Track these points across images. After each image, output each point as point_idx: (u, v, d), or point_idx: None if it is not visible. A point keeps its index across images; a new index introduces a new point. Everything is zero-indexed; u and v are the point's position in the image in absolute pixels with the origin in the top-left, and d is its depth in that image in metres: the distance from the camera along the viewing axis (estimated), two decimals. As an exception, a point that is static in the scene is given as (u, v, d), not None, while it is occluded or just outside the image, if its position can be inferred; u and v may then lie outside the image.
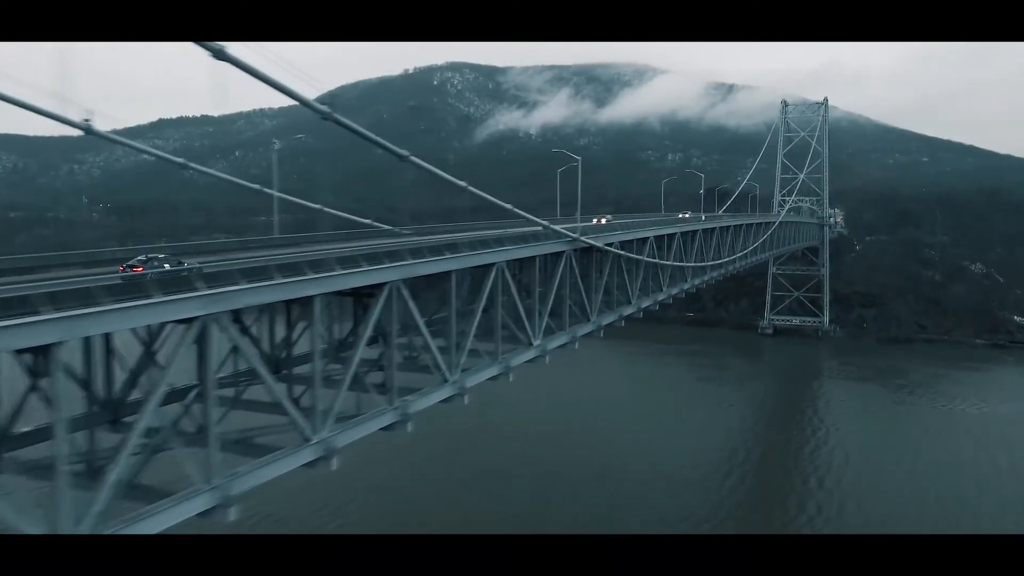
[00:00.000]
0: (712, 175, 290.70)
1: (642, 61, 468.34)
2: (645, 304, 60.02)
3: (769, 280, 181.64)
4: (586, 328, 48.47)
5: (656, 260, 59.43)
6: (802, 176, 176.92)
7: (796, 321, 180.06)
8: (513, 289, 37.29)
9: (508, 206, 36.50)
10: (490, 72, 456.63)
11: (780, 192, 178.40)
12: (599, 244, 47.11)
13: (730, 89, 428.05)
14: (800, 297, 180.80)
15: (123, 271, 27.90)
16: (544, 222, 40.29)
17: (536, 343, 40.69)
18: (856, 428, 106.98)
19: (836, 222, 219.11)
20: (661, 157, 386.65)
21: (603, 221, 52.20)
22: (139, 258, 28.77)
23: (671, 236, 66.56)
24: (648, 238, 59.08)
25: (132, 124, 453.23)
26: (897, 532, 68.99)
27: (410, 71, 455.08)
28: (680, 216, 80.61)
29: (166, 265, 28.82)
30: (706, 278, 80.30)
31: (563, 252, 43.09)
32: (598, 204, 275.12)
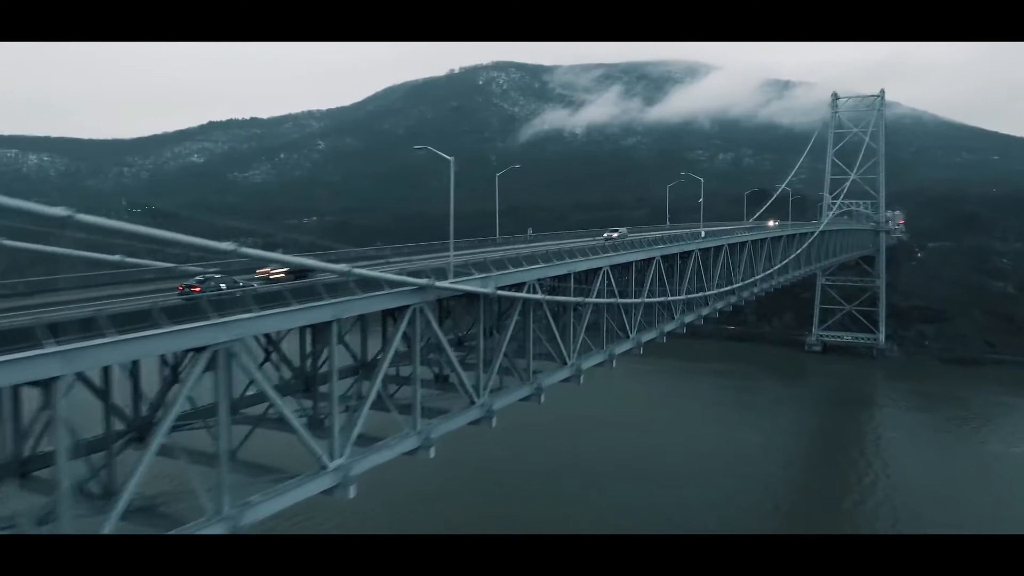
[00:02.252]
0: (764, 176, 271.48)
1: (693, 58, 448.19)
2: (592, 363, 43.48)
3: (817, 292, 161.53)
4: (467, 415, 32.42)
5: (607, 300, 42.49)
6: (853, 175, 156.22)
7: (848, 338, 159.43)
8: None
9: (225, 246, 21.22)
10: (536, 71, 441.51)
11: (830, 195, 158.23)
12: (486, 290, 31.30)
13: (786, 85, 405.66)
14: (852, 311, 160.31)
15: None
16: (342, 267, 24.58)
17: (332, 465, 25.22)
18: (908, 477, 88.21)
19: (896, 226, 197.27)
20: (711, 157, 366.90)
21: (283, 277, 30.61)
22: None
23: (646, 262, 49.92)
24: (601, 269, 42.90)
25: (183, 127, 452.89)
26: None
27: (455, 71, 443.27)
28: (607, 236, 60.97)
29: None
30: (705, 312, 62.57)
31: (408, 307, 27.87)
32: (635, 207, 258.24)
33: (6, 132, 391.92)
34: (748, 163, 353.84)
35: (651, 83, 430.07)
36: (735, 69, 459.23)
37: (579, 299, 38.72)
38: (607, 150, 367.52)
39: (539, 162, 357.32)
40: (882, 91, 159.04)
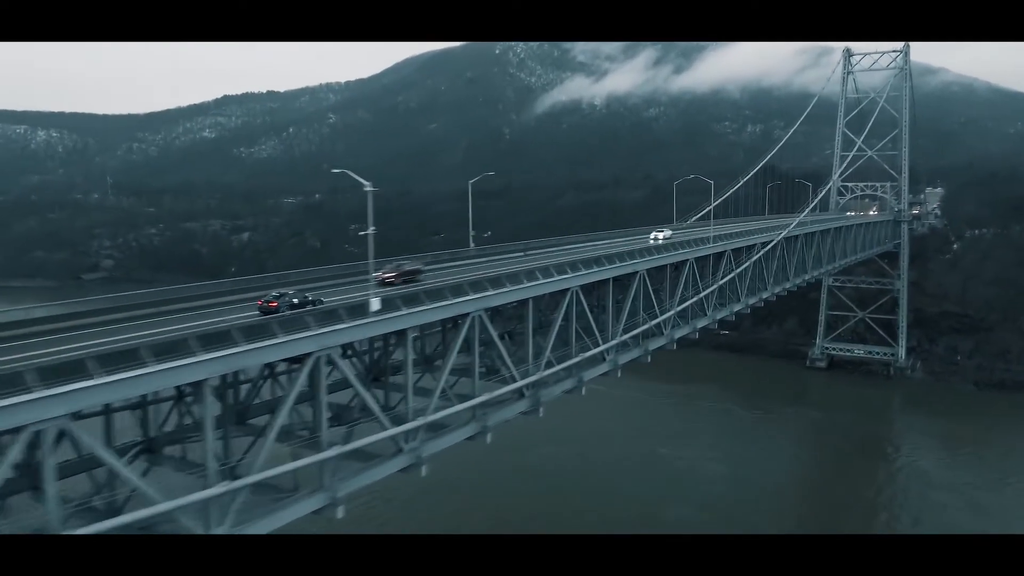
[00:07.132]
0: (795, 149, 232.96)
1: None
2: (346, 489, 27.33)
3: (823, 295, 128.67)
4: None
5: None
6: (858, 147, 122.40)
7: (859, 352, 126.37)
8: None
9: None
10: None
11: (840, 177, 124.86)
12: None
13: (823, 51, 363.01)
14: (866, 319, 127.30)
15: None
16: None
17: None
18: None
19: (927, 212, 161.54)
20: (739, 129, 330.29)
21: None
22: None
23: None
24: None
25: (197, 101, 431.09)
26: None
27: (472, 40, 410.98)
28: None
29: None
30: (557, 391, 38.86)
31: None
32: (639, 186, 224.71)
33: (18, 108, 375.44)
34: (779, 135, 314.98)
35: (679, 50, 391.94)
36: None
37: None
38: (628, 123, 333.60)
39: (554, 136, 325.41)
40: (906, 46, 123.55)
